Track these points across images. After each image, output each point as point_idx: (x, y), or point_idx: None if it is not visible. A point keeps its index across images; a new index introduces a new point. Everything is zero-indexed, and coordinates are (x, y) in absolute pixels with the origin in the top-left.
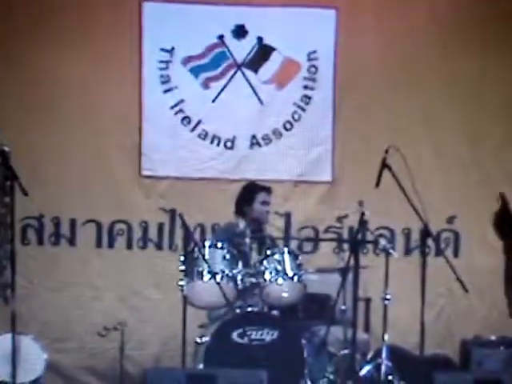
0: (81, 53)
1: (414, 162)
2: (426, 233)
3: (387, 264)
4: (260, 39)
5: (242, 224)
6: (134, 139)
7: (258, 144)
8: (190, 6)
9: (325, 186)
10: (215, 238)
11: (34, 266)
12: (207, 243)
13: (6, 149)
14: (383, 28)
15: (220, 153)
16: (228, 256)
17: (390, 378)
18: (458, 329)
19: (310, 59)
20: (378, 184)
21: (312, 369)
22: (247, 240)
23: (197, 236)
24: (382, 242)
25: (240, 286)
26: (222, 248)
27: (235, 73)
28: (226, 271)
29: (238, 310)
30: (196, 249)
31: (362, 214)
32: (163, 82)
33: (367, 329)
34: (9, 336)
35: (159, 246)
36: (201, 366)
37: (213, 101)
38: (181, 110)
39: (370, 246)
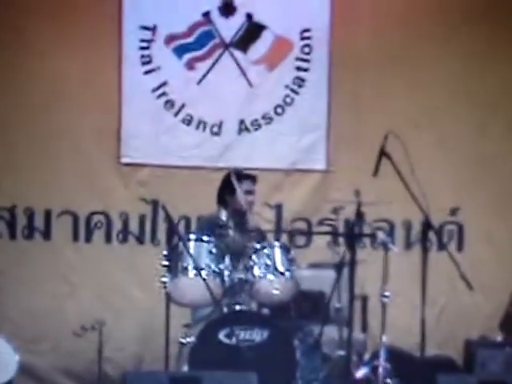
0: (55, 30)
1: (415, 150)
2: (427, 225)
3: (386, 259)
4: (249, 16)
5: (223, 215)
6: (113, 124)
7: (247, 129)
8: None
9: (318, 174)
10: (197, 231)
11: (5, 262)
12: (192, 236)
13: None
14: (382, 5)
15: (206, 139)
16: (214, 250)
17: (388, 381)
18: (462, 328)
19: (303, 38)
20: (376, 173)
21: (304, 371)
22: (230, 232)
23: (181, 229)
24: (381, 235)
25: (227, 283)
26: (208, 242)
27: (222, 53)
28: (212, 266)
29: (225, 309)
30: (180, 243)
31: (359, 205)
32: (144, 63)
33: (364, 328)
34: None
35: (140, 240)
36: (185, 369)
37: (198, 83)
38: (163, 93)
39: (367, 240)
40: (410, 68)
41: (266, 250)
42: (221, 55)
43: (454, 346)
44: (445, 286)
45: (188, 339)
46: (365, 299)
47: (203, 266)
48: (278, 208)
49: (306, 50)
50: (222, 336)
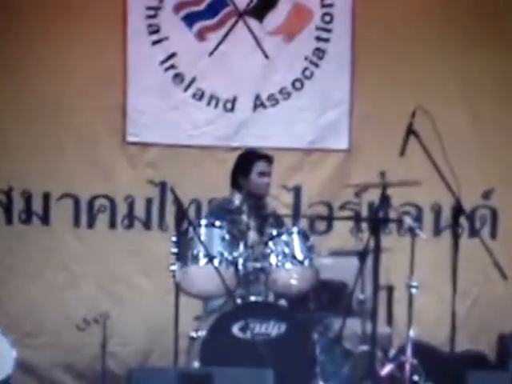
0: None
1: (446, 128)
2: (458, 210)
3: (413, 246)
4: None
5: (237, 199)
6: (118, 100)
7: (263, 105)
8: None
9: (340, 154)
10: (208, 216)
11: (1, 248)
12: (203, 222)
13: None
14: None
15: (218, 116)
16: (227, 237)
17: (415, 378)
18: (495, 321)
19: (323, 5)
20: (402, 153)
21: (325, 368)
22: (244, 217)
23: (191, 213)
24: (408, 220)
25: (241, 272)
26: (220, 227)
27: (236, 22)
28: (226, 254)
29: (238, 300)
30: (190, 228)
31: (384, 187)
32: (151, 33)
33: (389, 322)
34: None
35: (147, 226)
36: (196, 365)
37: (210, 55)
38: (172, 66)
39: (393, 226)
40: (442, 39)
41: (283, 237)
42: (234, 24)
43: (486, 341)
44: (477, 275)
45: (199, 333)
46: (390, 290)
47: (215, 253)
48: (297, 191)
49: (327, 18)
50: (235, 329)
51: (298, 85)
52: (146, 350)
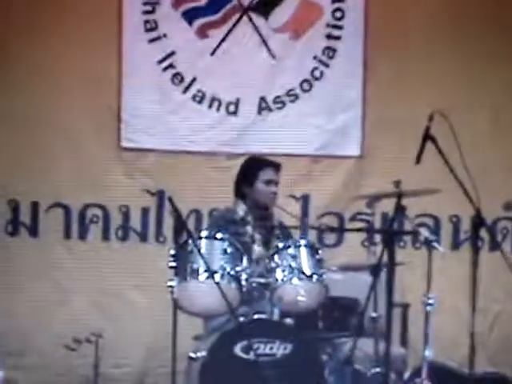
0: None
1: (465, 133)
2: (478, 221)
3: (430, 260)
4: None
5: (241, 209)
6: (112, 102)
7: (269, 108)
8: None
9: (352, 161)
10: (209, 228)
11: None
12: (204, 234)
13: None
14: None
15: (220, 119)
16: (230, 250)
17: None
18: None
19: (334, 1)
20: (418, 160)
21: None
22: (248, 229)
23: (190, 225)
24: (424, 232)
25: (245, 288)
26: (222, 240)
27: (240, 18)
28: (228, 269)
29: (241, 318)
30: (190, 241)
31: (399, 197)
32: (148, 30)
33: (404, 342)
34: None
35: (143, 237)
36: None
37: (211, 54)
38: (170, 65)
39: (408, 238)
40: (461, 38)
41: (290, 250)
42: (238, 21)
43: (508, 362)
44: (498, 291)
45: (198, 353)
46: (405, 307)
47: (216, 268)
48: (305, 200)
49: (338, 14)
50: (237, 350)
51: (306, 86)
52: (141, 372)
